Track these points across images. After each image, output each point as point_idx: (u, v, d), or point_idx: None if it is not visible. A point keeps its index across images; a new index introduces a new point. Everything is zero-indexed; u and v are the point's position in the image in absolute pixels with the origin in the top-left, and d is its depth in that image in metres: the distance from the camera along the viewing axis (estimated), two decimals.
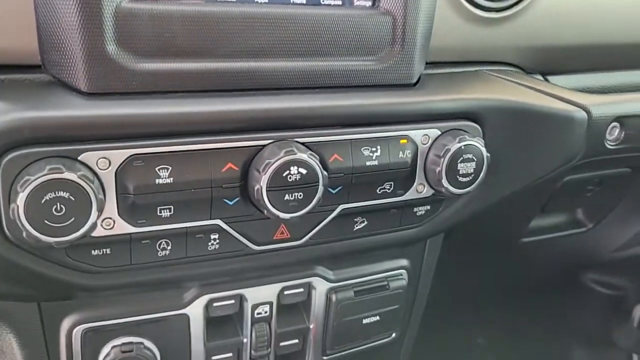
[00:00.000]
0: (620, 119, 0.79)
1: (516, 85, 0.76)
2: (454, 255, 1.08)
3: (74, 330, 0.65)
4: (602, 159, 0.97)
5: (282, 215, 0.59)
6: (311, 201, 0.60)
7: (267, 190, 0.58)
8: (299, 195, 0.59)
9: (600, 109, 0.77)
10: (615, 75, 0.92)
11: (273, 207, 0.58)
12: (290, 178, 0.58)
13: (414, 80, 0.69)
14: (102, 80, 0.54)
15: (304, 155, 0.58)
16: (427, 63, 0.72)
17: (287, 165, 0.58)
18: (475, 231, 1.05)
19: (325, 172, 0.60)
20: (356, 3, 0.66)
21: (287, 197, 0.59)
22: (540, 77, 0.86)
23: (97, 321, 0.65)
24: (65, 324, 0.65)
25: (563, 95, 0.76)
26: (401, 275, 0.81)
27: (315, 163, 0.59)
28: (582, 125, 0.76)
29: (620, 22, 0.86)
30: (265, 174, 0.57)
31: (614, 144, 0.80)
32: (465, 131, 0.69)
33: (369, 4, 0.66)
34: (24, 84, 0.56)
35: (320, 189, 0.60)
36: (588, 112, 0.76)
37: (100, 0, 0.52)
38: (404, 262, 0.81)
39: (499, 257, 1.17)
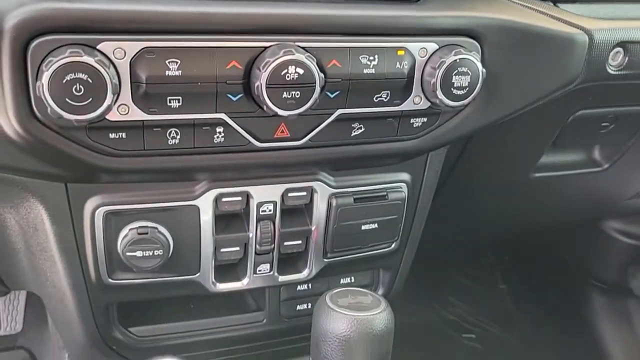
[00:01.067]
0: (624, 44, 0.80)
1: (520, 7, 0.78)
2: (463, 186, 1.12)
3: (97, 212, 0.73)
4: (617, 95, 0.99)
5: (280, 111, 0.65)
6: (308, 100, 0.65)
7: (266, 87, 0.63)
8: (297, 93, 0.64)
9: (602, 33, 0.78)
10: (631, 7, 0.92)
11: (272, 103, 0.64)
12: (288, 77, 0.63)
13: None
14: None
15: (302, 57, 0.63)
16: None
17: (285, 65, 0.63)
18: (485, 162, 1.08)
19: (322, 74, 0.65)
20: None
21: (285, 94, 0.64)
22: (551, 3, 0.87)
23: (118, 205, 0.73)
24: (89, 205, 0.73)
25: (566, 18, 0.78)
26: (401, 188, 0.86)
27: (312, 64, 0.64)
28: (582, 48, 0.78)
29: None
30: (265, 71, 0.63)
31: (617, 69, 0.81)
32: (463, 47, 0.72)
33: None
34: None
35: (317, 89, 0.65)
36: (590, 35, 0.77)
37: None
38: (405, 176, 0.86)
39: (509, 192, 1.20)
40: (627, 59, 0.82)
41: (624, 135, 1.15)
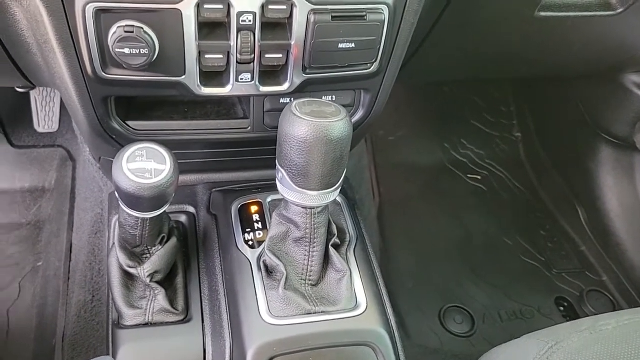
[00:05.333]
0: None
1: None
2: (461, 20, 1.12)
3: (87, 7, 0.79)
4: None
5: None
6: None
7: None
8: None
9: None
10: None
11: None
12: None
13: None
14: None
15: None
16: None
17: None
18: None
19: None
20: None
21: None
22: None
23: (106, 2, 0.79)
24: (79, 1, 0.79)
25: None
26: (381, 10, 0.88)
27: None
28: None
29: None
30: None
31: None
32: None
33: None
34: None
35: None
36: None
37: None
38: None
39: (513, 30, 1.19)
40: None
41: None
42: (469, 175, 2.04)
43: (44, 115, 1.74)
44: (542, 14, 1.14)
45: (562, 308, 1.70)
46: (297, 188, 0.85)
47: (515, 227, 1.91)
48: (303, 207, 0.88)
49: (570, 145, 1.92)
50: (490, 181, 2.05)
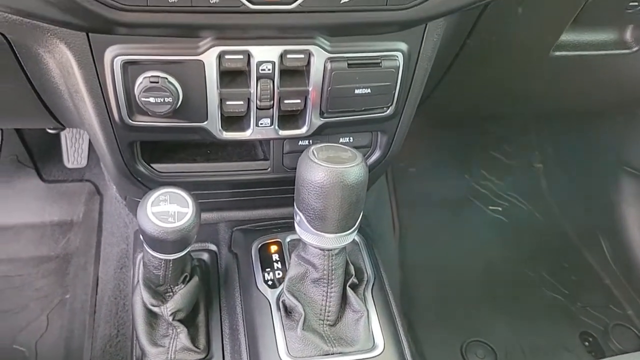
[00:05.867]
0: None
1: None
2: (477, 60, 1.14)
3: (115, 60, 0.83)
4: None
5: None
6: None
7: None
8: None
9: None
10: None
11: None
12: None
13: None
14: None
15: None
16: None
17: None
18: (499, 37, 1.09)
19: None
20: None
21: None
22: None
23: (133, 55, 0.84)
24: (108, 54, 0.83)
25: None
26: (395, 56, 0.90)
27: None
28: None
29: None
30: None
31: None
32: None
33: None
34: None
35: None
36: None
37: None
38: (401, 45, 0.90)
39: (528, 69, 1.21)
40: None
41: None
42: (490, 207, 2.04)
43: (73, 151, 1.81)
44: (557, 53, 1.16)
45: (587, 343, 1.68)
46: (314, 231, 0.87)
47: (537, 260, 1.89)
48: (321, 249, 0.90)
49: (592, 176, 1.91)
50: (512, 212, 2.04)
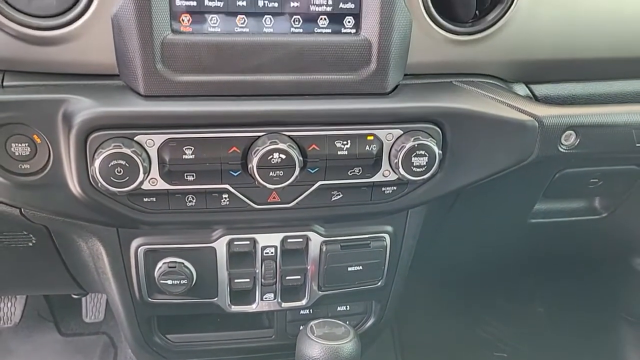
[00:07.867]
0: (575, 128, 0.93)
1: (480, 95, 0.92)
2: (459, 230, 1.27)
3: (139, 249, 0.97)
4: (604, 158, 1.09)
5: (268, 185, 0.85)
6: (289, 178, 0.84)
7: (257, 168, 0.83)
8: (280, 173, 0.84)
9: (552, 120, 0.91)
10: (601, 85, 1.03)
11: (261, 179, 0.84)
12: (273, 161, 0.83)
13: (388, 90, 0.88)
14: (153, 87, 0.82)
15: (284, 145, 0.82)
16: (408, 74, 0.92)
17: (271, 152, 0.83)
18: (478, 211, 1.22)
19: (301, 158, 0.84)
20: (342, 31, 0.87)
21: (271, 173, 0.84)
22: (524, 86, 1.01)
23: (154, 245, 0.97)
24: (134, 244, 0.97)
25: (519, 106, 0.91)
26: (383, 238, 1.03)
27: (292, 151, 0.83)
28: (533, 132, 0.92)
29: (595, 37, 0.97)
30: (256, 156, 0.83)
31: (568, 149, 0.94)
32: (425, 132, 0.88)
33: (353, 31, 0.87)
34: (107, 87, 0.86)
35: (297, 170, 0.84)
36: (540, 121, 0.91)
37: (152, 35, 0.79)
38: (387, 227, 1.04)
39: (507, 235, 1.32)
40: (578, 140, 0.94)
41: (617, 189, 1.24)
42: (495, 354, 2.07)
43: (92, 307, 1.91)
44: (533, 220, 1.28)
45: None
46: None
47: None
48: None
49: (592, 322, 1.96)
50: (516, 358, 2.06)
